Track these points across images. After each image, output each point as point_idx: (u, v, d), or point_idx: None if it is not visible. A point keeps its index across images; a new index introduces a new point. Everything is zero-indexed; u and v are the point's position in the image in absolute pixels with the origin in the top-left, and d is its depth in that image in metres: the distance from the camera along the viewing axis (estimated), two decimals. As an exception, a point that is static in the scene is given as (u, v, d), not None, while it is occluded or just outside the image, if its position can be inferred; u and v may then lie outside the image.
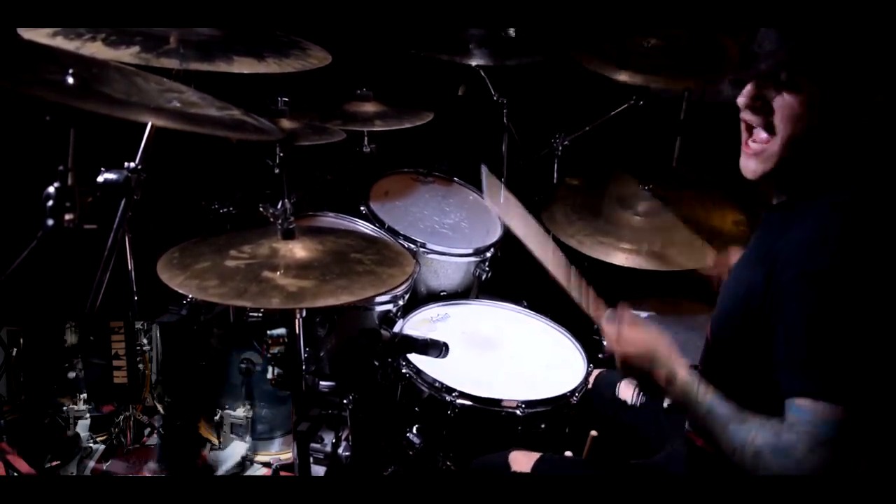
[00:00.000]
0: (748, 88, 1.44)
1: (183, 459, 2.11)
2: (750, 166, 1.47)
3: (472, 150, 3.42)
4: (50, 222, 1.28)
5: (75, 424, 2.37)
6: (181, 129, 1.33)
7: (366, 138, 2.95)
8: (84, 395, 2.39)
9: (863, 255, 1.29)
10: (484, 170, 2.05)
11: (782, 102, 1.40)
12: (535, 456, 1.83)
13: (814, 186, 1.42)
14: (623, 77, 2.78)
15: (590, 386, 2.21)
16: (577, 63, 2.88)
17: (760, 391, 1.34)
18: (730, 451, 1.33)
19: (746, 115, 1.46)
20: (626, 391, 2.05)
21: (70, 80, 1.18)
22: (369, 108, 2.87)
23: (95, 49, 1.72)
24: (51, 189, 1.29)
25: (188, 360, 2.13)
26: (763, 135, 1.44)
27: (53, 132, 1.26)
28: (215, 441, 2.33)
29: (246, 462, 2.38)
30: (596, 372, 2.24)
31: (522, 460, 1.83)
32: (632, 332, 1.55)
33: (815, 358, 1.27)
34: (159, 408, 2.53)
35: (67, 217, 1.30)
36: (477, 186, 3.08)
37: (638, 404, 2.00)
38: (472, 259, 2.75)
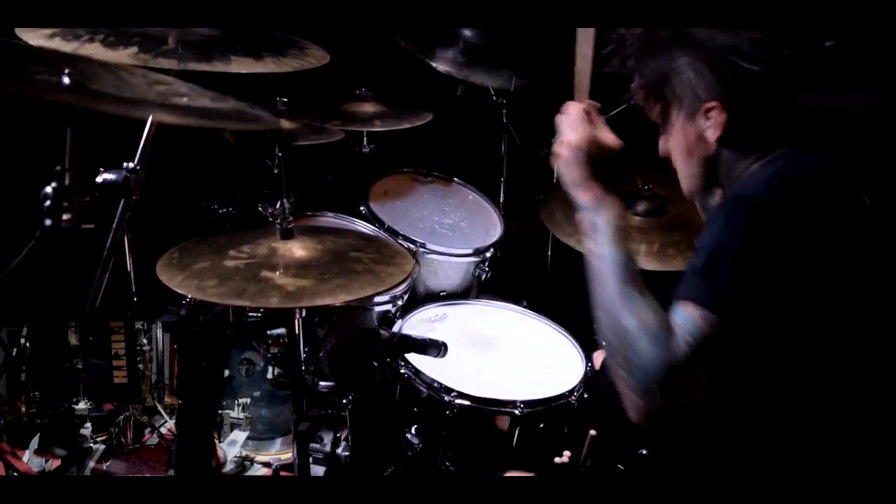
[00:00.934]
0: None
1: (198, 459, 2.11)
2: (661, 148, 1.52)
3: (472, 150, 3.42)
4: (47, 222, 1.28)
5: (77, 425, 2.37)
6: (179, 123, 1.33)
7: (365, 138, 2.95)
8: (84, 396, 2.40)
9: (793, 197, 1.28)
10: None
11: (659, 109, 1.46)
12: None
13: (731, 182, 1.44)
14: None
15: (597, 367, 2.21)
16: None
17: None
18: (603, 308, 1.32)
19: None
20: None
21: (66, 80, 1.18)
22: (368, 108, 2.87)
23: (93, 50, 1.72)
24: (48, 189, 1.29)
25: (200, 361, 2.12)
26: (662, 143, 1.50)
27: (50, 132, 1.27)
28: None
29: (246, 462, 2.39)
30: (602, 353, 2.24)
31: None
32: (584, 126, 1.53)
33: (709, 269, 1.25)
34: (159, 408, 2.53)
35: (65, 217, 1.29)
36: (477, 186, 3.08)
37: None
38: (472, 259, 2.75)
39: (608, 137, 1.50)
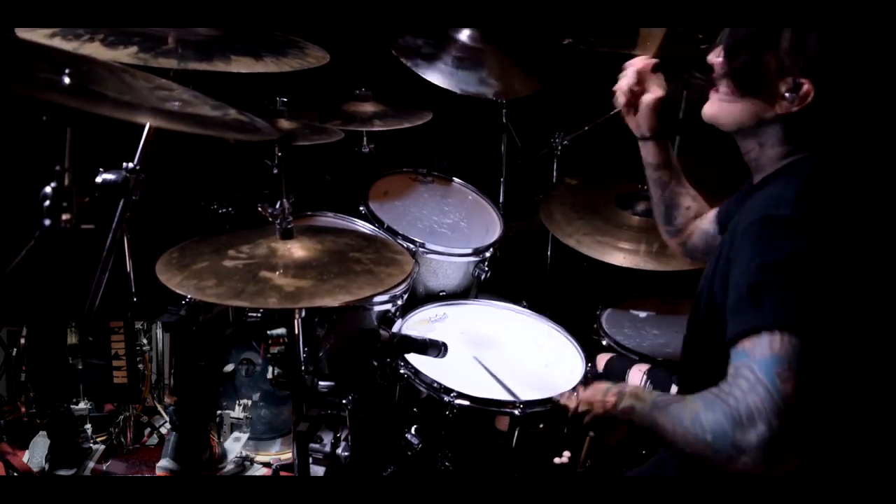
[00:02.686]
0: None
1: (193, 454, 2.11)
2: (710, 111, 1.50)
3: (472, 150, 3.42)
4: (47, 222, 1.28)
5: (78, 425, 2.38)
6: (176, 129, 1.32)
7: (365, 138, 2.95)
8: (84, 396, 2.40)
9: (820, 211, 1.28)
10: None
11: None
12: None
13: (773, 166, 1.43)
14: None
15: (600, 370, 2.21)
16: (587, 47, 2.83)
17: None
18: (672, 434, 1.29)
19: (717, 66, 1.48)
20: (636, 376, 2.05)
21: (66, 79, 1.18)
22: (368, 107, 2.87)
23: (93, 49, 1.72)
24: (47, 189, 1.29)
25: (197, 360, 2.13)
26: (726, 88, 1.46)
27: (50, 132, 1.26)
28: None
29: (246, 462, 2.39)
30: (605, 357, 2.24)
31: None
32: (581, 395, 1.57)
33: (753, 295, 1.23)
34: (159, 408, 2.54)
35: (64, 217, 1.29)
36: (477, 186, 3.08)
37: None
38: (472, 259, 2.75)
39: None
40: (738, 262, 1.28)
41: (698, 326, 1.49)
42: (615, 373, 2.14)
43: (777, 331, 1.18)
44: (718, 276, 1.37)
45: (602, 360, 2.24)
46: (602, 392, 1.49)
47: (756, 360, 1.18)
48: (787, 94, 1.38)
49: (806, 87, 1.36)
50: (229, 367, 2.38)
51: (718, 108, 1.48)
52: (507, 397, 2.11)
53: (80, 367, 2.38)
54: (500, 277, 2.86)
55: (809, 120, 1.39)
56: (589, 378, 2.23)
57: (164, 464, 2.16)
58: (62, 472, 2.21)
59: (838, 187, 1.34)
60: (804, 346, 1.17)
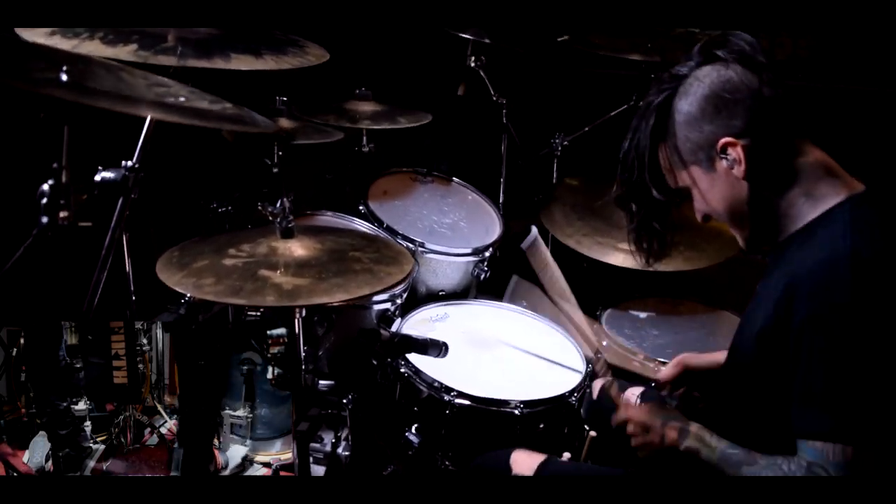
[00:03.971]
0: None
1: (200, 461, 2.11)
2: (697, 208, 1.52)
3: (472, 150, 3.42)
4: (44, 220, 1.27)
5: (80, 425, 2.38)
6: (174, 121, 1.32)
7: (364, 137, 2.95)
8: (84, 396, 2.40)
9: (872, 289, 1.26)
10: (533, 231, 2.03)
11: (684, 178, 1.47)
12: (539, 458, 1.81)
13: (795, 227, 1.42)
14: (635, 56, 2.73)
15: (595, 397, 2.19)
16: (586, 49, 2.83)
17: (770, 421, 1.36)
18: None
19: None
20: (629, 401, 2.04)
21: (64, 76, 1.18)
22: (368, 107, 2.88)
23: (93, 47, 1.72)
24: (45, 186, 1.29)
25: (196, 359, 2.12)
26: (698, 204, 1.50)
27: (48, 129, 1.26)
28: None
29: (246, 462, 2.39)
30: (600, 382, 2.23)
31: (525, 462, 1.82)
32: (634, 411, 1.61)
33: (828, 400, 1.26)
34: (159, 408, 2.53)
35: (62, 214, 1.29)
36: (476, 186, 3.08)
37: None
38: (471, 259, 2.75)
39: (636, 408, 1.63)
40: (808, 355, 1.28)
41: (741, 369, 1.51)
42: (609, 397, 2.12)
43: (850, 446, 1.24)
44: (772, 337, 1.36)
45: (597, 385, 2.23)
46: (660, 422, 1.51)
47: (831, 463, 1.25)
48: (725, 163, 1.40)
49: (726, 144, 1.38)
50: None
51: (699, 206, 1.50)
52: (508, 396, 2.11)
53: (79, 367, 2.38)
54: (499, 277, 2.86)
55: (768, 164, 1.39)
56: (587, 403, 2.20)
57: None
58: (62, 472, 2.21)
59: (881, 249, 1.31)
60: (875, 454, 1.24)
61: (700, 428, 1.46)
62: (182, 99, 1.40)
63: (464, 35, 2.85)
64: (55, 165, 1.27)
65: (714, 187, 1.44)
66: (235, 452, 2.45)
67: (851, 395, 1.24)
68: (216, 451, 2.32)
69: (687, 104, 1.41)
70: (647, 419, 1.54)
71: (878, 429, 1.24)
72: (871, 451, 1.24)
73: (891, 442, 1.24)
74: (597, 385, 2.22)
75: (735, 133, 1.37)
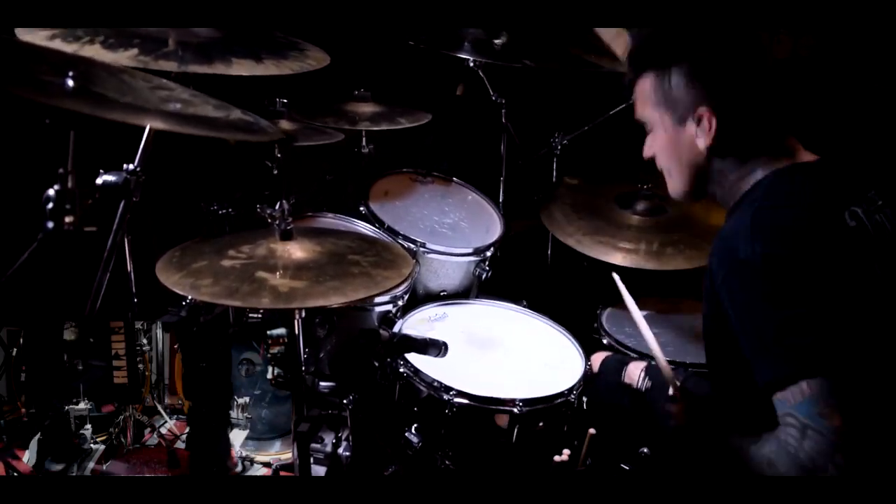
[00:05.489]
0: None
1: (214, 461, 2.12)
2: (646, 151, 1.58)
3: (472, 150, 3.42)
4: (50, 225, 1.28)
5: (77, 425, 2.38)
6: (184, 132, 1.33)
7: (364, 138, 2.95)
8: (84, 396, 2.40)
9: (772, 241, 1.31)
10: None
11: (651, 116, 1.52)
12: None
13: (736, 195, 1.47)
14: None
15: (595, 370, 2.21)
16: (575, 58, 2.86)
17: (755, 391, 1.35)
18: (760, 472, 1.34)
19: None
20: (633, 375, 2.06)
21: (70, 82, 1.18)
22: (367, 108, 2.88)
23: (94, 51, 1.72)
24: (51, 191, 1.29)
25: (198, 361, 2.13)
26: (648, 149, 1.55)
27: (53, 135, 1.27)
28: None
29: (246, 462, 2.39)
30: (601, 356, 2.24)
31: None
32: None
33: (766, 345, 1.28)
34: (159, 408, 2.54)
35: (67, 219, 1.30)
36: (476, 186, 3.08)
37: (643, 389, 2.00)
38: (472, 259, 2.75)
39: None
40: (737, 313, 1.33)
41: (712, 349, 1.55)
42: (611, 370, 2.13)
43: (801, 379, 1.24)
44: (711, 317, 1.44)
45: (597, 359, 2.24)
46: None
47: (794, 407, 1.25)
48: (697, 131, 1.44)
49: (704, 114, 1.42)
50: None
51: (649, 142, 1.55)
52: (507, 396, 2.11)
53: (80, 367, 2.38)
54: (500, 277, 2.87)
55: (733, 138, 1.43)
56: (588, 379, 2.22)
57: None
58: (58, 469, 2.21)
59: (787, 203, 1.37)
60: (832, 379, 1.23)
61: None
62: (182, 105, 1.40)
63: (460, 55, 2.88)
64: (61, 171, 1.28)
65: (673, 142, 1.49)
66: (235, 451, 2.45)
67: (784, 337, 1.26)
68: (233, 451, 2.32)
69: (695, 59, 1.44)
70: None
71: (826, 356, 1.24)
72: (829, 378, 1.23)
73: (859, 373, 1.25)
74: (596, 359, 2.24)
75: (713, 107, 1.41)
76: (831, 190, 1.39)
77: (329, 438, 2.10)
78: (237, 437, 2.42)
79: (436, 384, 2.12)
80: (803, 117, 1.48)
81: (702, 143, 1.44)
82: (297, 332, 2.03)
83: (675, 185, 1.56)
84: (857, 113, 3.11)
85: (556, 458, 1.93)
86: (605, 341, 2.47)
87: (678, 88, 1.45)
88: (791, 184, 1.40)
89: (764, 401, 1.33)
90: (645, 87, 1.51)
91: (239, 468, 2.31)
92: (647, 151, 1.56)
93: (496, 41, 2.88)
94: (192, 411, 2.24)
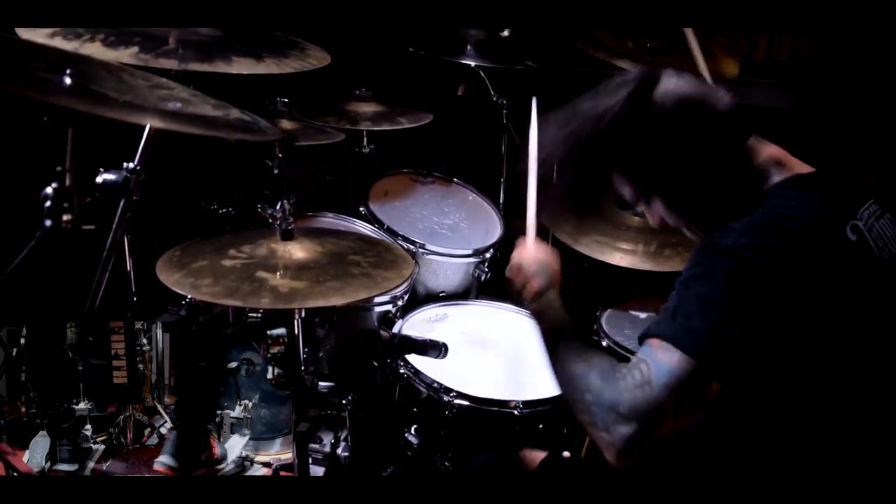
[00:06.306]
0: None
1: (194, 453, 2.12)
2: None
3: (472, 151, 3.42)
4: (48, 223, 1.28)
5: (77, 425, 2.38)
6: (183, 131, 1.33)
7: (365, 138, 2.95)
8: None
9: (757, 239, 1.29)
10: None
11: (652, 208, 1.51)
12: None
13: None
14: (623, 64, 2.73)
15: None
16: (577, 56, 2.85)
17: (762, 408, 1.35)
18: (560, 366, 1.40)
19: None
20: None
21: (68, 80, 1.18)
22: (368, 108, 2.88)
23: (94, 50, 1.72)
24: (49, 190, 1.29)
25: (197, 360, 2.13)
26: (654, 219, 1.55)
27: (51, 132, 1.27)
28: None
29: (246, 462, 2.39)
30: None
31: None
32: (536, 250, 1.61)
33: (679, 312, 1.27)
34: (159, 408, 2.53)
35: (65, 218, 1.30)
36: (477, 187, 3.08)
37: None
38: (472, 260, 2.75)
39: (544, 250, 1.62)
40: (677, 284, 1.33)
41: None
42: None
43: (680, 350, 1.24)
44: None
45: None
46: (531, 272, 1.56)
47: (655, 361, 1.25)
48: (658, 208, 1.48)
49: (654, 198, 1.46)
50: (233, 364, 2.38)
51: (654, 218, 1.55)
52: (507, 397, 2.11)
53: (80, 367, 2.38)
54: (500, 278, 2.86)
55: (720, 176, 1.42)
56: None
57: (162, 459, 2.17)
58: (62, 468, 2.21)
59: (786, 226, 1.33)
60: (698, 372, 1.23)
61: (558, 299, 1.53)
62: (182, 104, 1.40)
63: (461, 61, 2.89)
64: (59, 168, 1.28)
65: (658, 217, 1.51)
66: (235, 452, 2.45)
67: (699, 316, 1.25)
68: (213, 442, 2.31)
69: (622, 168, 1.47)
70: (519, 266, 1.58)
71: (722, 360, 1.23)
72: (704, 374, 1.23)
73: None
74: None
75: (656, 194, 1.46)
76: (834, 203, 1.37)
77: (328, 439, 2.10)
78: (237, 437, 2.41)
79: (435, 385, 2.12)
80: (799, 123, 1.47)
81: (668, 217, 1.49)
82: (296, 332, 2.03)
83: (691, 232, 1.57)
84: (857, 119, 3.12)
85: (556, 458, 1.92)
86: (604, 343, 2.46)
87: (626, 184, 1.49)
88: (792, 195, 1.38)
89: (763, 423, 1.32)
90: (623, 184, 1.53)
91: (231, 467, 2.31)
92: (655, 221, 1.56)
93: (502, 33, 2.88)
94: (178, 407, 2.24)
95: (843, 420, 1.31)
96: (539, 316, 1.51)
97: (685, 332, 1.25)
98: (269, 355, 2.38)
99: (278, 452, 2.53)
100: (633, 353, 2.34)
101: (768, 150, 1.45)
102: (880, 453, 1.34)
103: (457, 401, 2.09)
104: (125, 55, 1.73)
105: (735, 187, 1.43)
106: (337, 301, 1.67)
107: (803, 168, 1.44)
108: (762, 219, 1.33)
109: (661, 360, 1.24)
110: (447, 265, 2.72)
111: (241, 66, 1.88)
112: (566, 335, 1.45)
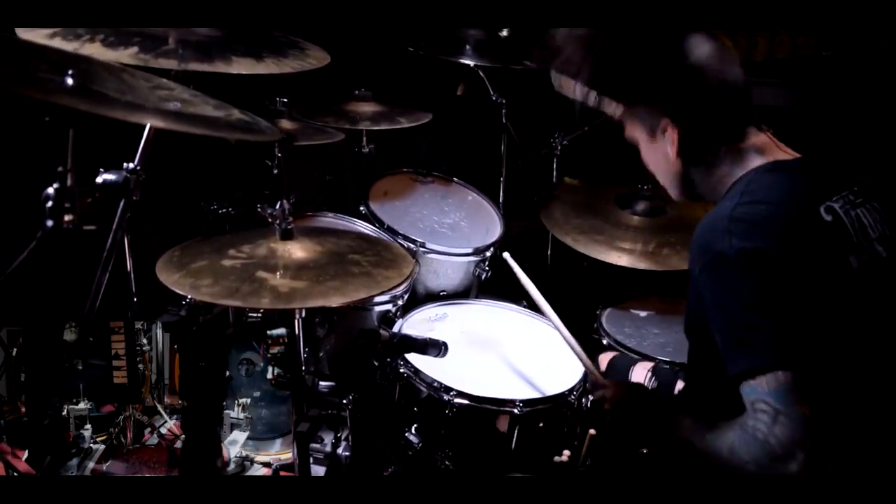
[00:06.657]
0: None
1: (204, 460, 2.11)
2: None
3: (472, 150, 3.42)
4: (49, 223, 1.28)
5: (77, 425, 2.38)
6: (183, 130, 1.33)
7: (365, 138, 2.95)
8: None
9: (745, 234, 1.34)
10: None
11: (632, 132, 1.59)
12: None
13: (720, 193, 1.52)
14: None
15: (602, 369, 2.21)
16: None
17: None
18: (717, 460, 1.38)
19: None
20: (640, 374, 2.06)
21: (69, 80, 1.18)
22: (368, 108, 2.88)
23: (94, 50, 1.72)
24: (50, 190, 1.29)
25: (197, 360, 2.13)
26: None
27: (53, 133, 1.27)
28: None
29: (246, 462, 2.39)
30: (608, 356, 2.24)
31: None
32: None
33: (740, 339, 1.32)
34: (159, 408, 2.53)
35: (67, 218, 1.30)
36: (476, 186, 3.08)
37: (650, 388, 2.01)
38: (472, 259, 2.75)
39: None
40: (711, 305, 1.38)
41: (693, 341, 1.58)
42: (617, 371, 2.14)
43: (777, 369, 1.27)
44: (693, 308, 1.47)
45: (604, 359, 2.24)
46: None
47: (768, 394, 1.28)
48: (662, 140, 1.52)
49: (667, 126, 1.49)
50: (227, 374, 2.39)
51: (643, 155, 1.61)
52: (507, 396, 2.11)
53: (80, 367, 2.38)
54: (500, 277, 2.86)
55: (697, 145, 1.50)
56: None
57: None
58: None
59: (771, 216, 1.38)
60: (802, 371, 1.27)
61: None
62: (182, 104, 1.40)
63: (460, 60, 2.89)
64: (60, 169, 1.28)
65: (652, 154, 1.58)
66: (235, 451, 2.45)
67: (758, 329, 1.30)
68: (223, 448, 2.32)
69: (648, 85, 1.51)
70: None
71: (799, 349, 1.28)
72: (802, 370, 1.27)
73: (825, 357, 1.29)
74: (603, 359, 2.24)
75: (672, 119, 1.49)
76: (810, 186, 1.43)
77: (329, 438, 2.10)
78: (237, 437, 2.41)
79: (436, 384, 2.12)
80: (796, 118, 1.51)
81: (671, 152, 1.52)
82: (297, 332, 2.03)
83: (667, 190, 1.65)
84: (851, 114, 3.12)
85: (557, 458, 1.92)
86: (604, 341, 2.47)
87: (641, 107, 1.55)
88: (769, 180, 1.44)
89: (733, 395, 1.35)
90: (617, 111, 1.60)
91: (232, 467, 2.31)
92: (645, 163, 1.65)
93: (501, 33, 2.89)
94: (187, 411, 2.23)
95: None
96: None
97: (762, 352, 1.29)
98: (269, 355, 2.38)
99: (278, 452, 2.54)
100: (633, 350, 2.37)
101: (757, 138, 1.51)
102: (860, 433, 1.37)
103: (457, 400, 2.09)
104: (125, 55, 1.73)
105: (721, 159, 1.50)
106: (338, 300, 1.68)
107: (784, 155, 1.50)
108: (738, 213, 1.38)
109: (770, 389, 1.27)
110: (447, 264, 2.72)
111: (241, 67, 1.88)
112: (670, 425, 1.50)
